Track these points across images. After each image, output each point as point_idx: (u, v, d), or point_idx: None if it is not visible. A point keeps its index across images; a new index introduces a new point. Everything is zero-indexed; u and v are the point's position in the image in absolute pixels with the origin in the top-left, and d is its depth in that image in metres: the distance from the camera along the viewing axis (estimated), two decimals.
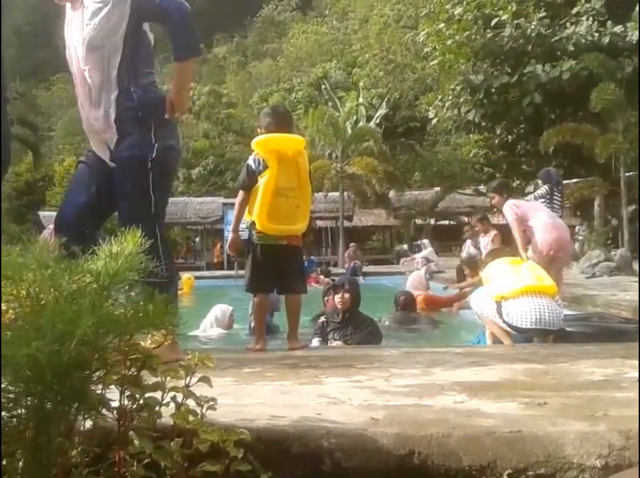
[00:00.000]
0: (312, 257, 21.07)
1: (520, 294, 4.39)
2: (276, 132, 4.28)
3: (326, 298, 6.88)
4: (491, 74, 17.58)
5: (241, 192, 4.26)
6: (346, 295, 5.30)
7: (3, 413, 1.53)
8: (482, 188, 23.24)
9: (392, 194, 28.54)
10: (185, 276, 14.48)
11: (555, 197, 8.74)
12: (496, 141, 20.30)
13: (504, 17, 16.94)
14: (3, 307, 1.55)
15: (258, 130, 4.44)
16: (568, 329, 4.89)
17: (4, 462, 1.54)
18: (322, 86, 32.70)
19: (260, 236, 4.16)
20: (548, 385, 2.65)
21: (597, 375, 2.81)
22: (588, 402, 2.23)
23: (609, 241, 16.21)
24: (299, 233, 4.32)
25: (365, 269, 19.37)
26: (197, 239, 32.60)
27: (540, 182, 8.87)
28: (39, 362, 1.37)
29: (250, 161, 4.22)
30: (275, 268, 4.21)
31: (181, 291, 13.47)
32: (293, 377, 2.97)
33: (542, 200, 8.51)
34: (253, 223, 4.17)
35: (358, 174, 24.81)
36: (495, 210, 11.89)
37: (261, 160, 4.16)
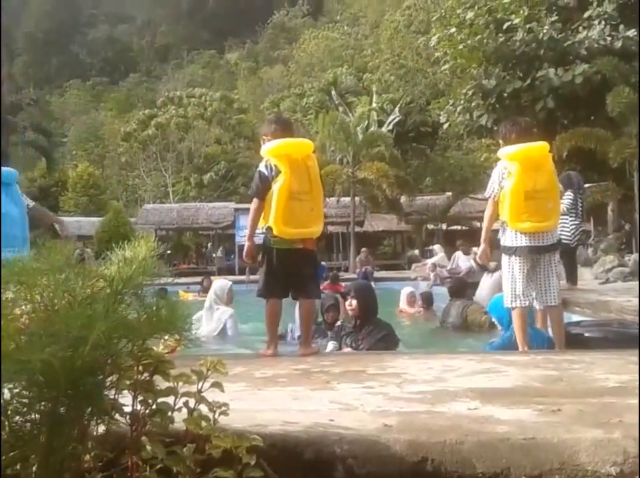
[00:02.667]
0: (322, 262, 21.03)
1: None
2: (282, 137, 4.31)
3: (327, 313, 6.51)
4: (503, 79, 17.49)
5: (255, 200, 4.23)
6: (354, 302, 5.27)
7: (17, 417, 1.54)
8: None
9: (403, 199, 28.45)
10: (215, 282, 14.38)
11: (578, 203, 8.58)
12: None
13: (516, 21, 16.85)
14: (17, 312, 1.56)
15: (264, 138, 4.43)
16: (587, 335, 4.85)
17: (17, 466, 1.54)
18: (332, 92, 32.71)
19: (276, 240, 4.15)
20: (562, 391, 2.63)
21: (611, 381, 2.78)
22: (603, 409, 2.21)
23: (622, 247, 16.07)
24: (315, 236, 4.32)
25: (376, 274, 19.32)
26: (209, 244, 32.66)
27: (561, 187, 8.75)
28: (53, 367, 1.37)
29: (262, 168, 4.21)
30: (290, 273, 4.20)
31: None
32: (305, 383, 2.96)
33: (573, 209, 8.32)
34: (269, 228, 4.16)
35: (369, 180, 24.75)
36: None
37: (273, 166, 4.16)
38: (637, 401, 2.32)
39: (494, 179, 4.63)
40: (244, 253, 4.38)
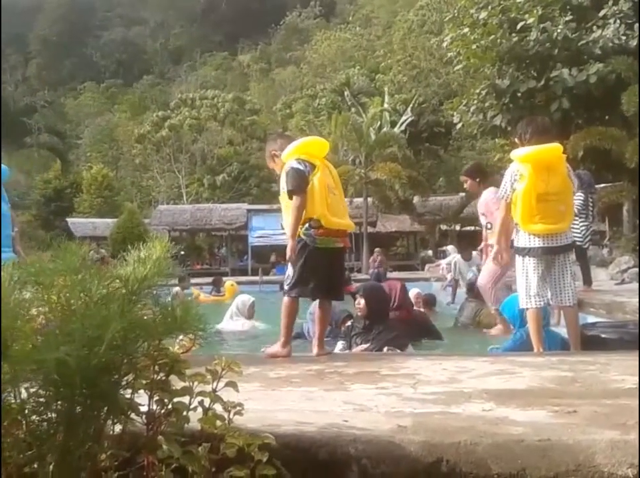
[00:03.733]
0: None
1: None
2: None
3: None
4: (517, 79, 17.39)
5: (297, 197, 4.09)
6: (362, 301, 5.25)
7: (34, 417, 1.56)
8: None
9: (416, 199, 28.43)
10: (228, 282, 14.48)
11: (589, 203, 8.47)
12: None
13: (530, 21, 16.74)
14: (34, 312, 1.58)
15: (274, 153, 4.44)
16: (604, 336, 4.81)
17: (35, 465, 1.56)
18: (345, 93, 32.72)
19: (322, 239, 4.13)
20: (577, 393, 2.61)
21: (627, 382, 2.76)
22: (619, 410, 2.19)
23: (638, 247, 15.93)
24: (352, 229, 4.46)
25: (389, 275, 19.28)
26: (222, 245, 32.78)
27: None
28: (68, 366, 1.38)
29: (295, 165, 4.16)
30: (327, 273, 4.20)
31: (223, 296, 13.50)
32: (319, 383, 2.96)
33: (583, 210, 8.21)
34: (310, 226, 4.11)
35: (382, 180, 24.75)
36: None
37: (306, 163, 4.18)
38: None
39: (506, 181, 4.62)
40: (288, 252, 4.15)
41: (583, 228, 8.37)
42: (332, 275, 4.25)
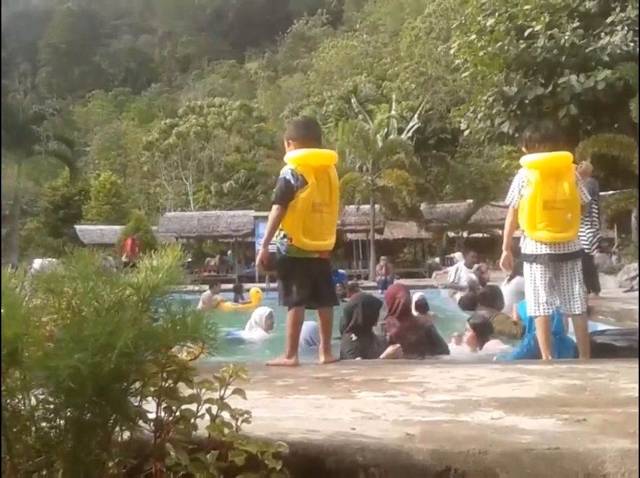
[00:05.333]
0: (342, 270, 20.96)
1: None
2: (311, 145, 4.24)
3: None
4: (524, 85, 17.38)
5: (277, 207, 4.09)
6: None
7: (44, 423, 1.56)
8: None
9: (423, 206, 28.37)
10: (253, 289, 14.57)
11: (593, 210, 8.42)
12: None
13: (537, 28, 16.72)
14: (44, 319, 1.59)
15: (290, 142, 4.30)
16: (613, 344, 4.78)
17: (44, 472, 1.56)
18: (352, 100, 32.75)
19: (292, 248, 4.11)
20: (586, 401, 2.59)
21: (637, 391, 2.74)
22: (628, 419, 2.17)
23: (638, 254, 15.84)
24: (330, 248, 4.29)
25: (396, 282, 19.23)
26: (229, 252, 32.79)
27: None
28: (81, 373, 1.39)
29: (288, 176, 4.09)
30: (308, 281, 4.16)
31: (250, 304, 13.54)
32: (326, 391, 2.95)
33: (587, 217, 8.17)
34: (284, 237, 4.11)
35: (389, 187, 24.71)
36: None
37: (299, 176, 4.06)
38: None
39: (514, 187, 4.60)
40: (257, 260, 4.26)
41: (590, 234, 8.34)
42: (315, 284, 4.18)
